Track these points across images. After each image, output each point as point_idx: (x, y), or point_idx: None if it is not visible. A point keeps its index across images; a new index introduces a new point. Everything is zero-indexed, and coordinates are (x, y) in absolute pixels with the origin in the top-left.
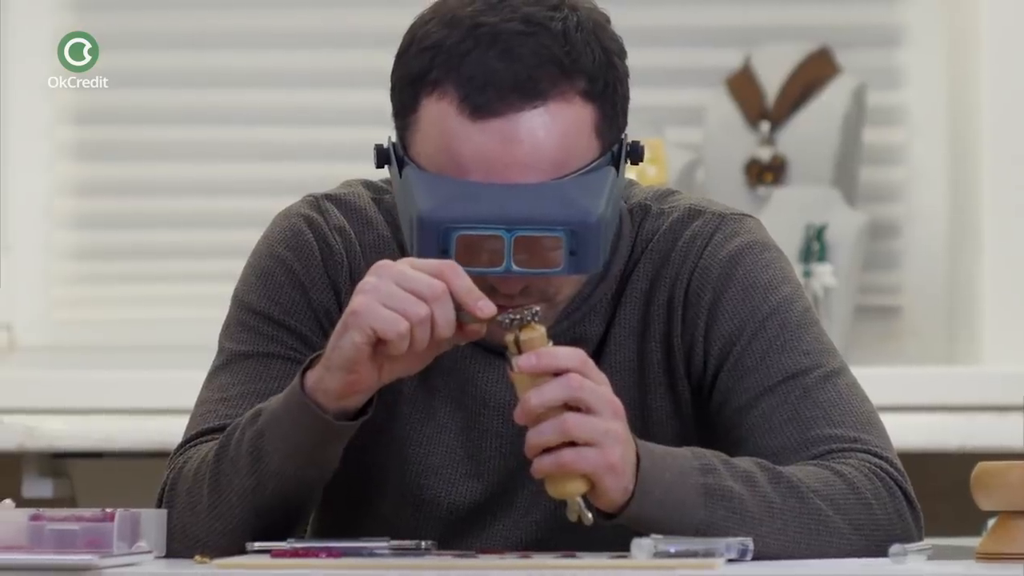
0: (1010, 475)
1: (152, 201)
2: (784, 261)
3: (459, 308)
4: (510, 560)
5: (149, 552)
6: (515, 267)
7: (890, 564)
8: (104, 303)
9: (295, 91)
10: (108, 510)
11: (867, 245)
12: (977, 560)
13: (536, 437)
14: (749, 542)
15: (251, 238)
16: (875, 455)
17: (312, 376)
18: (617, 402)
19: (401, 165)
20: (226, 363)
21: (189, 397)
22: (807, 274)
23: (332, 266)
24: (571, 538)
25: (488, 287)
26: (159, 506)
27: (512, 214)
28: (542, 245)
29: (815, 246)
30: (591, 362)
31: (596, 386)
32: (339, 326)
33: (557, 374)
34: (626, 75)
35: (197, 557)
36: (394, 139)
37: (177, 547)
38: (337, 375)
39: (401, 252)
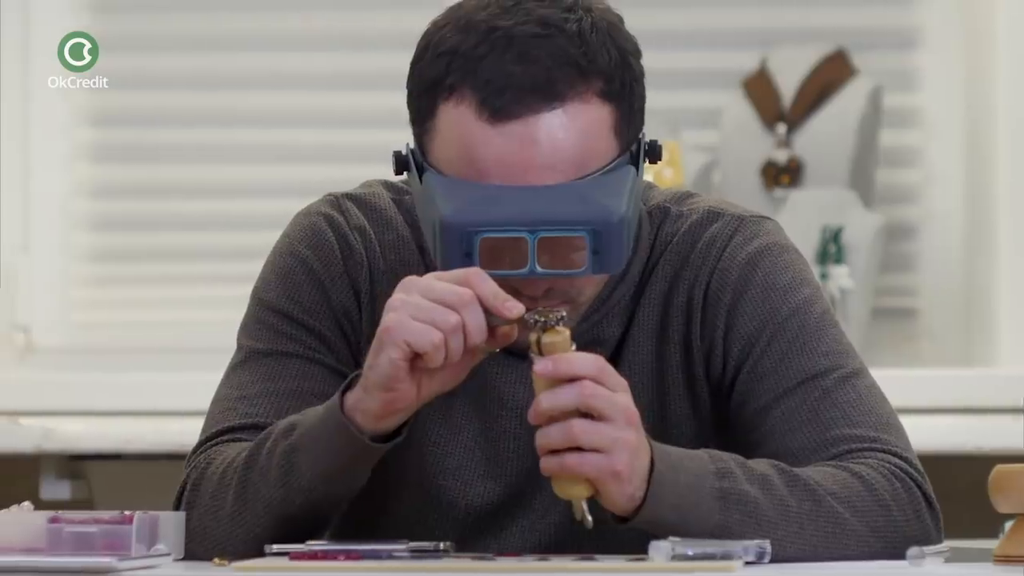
0: None
1: (170, 203)
2: (803, 263)
3: (488, 313)
4: (528, 562)
5: (167, 554)
6: (539, 268)
7: (907, 567)
8: (122, 305)
9: (313, 93)
10: (126, 512)
11: (883, 247)
12: (995, 563)
13: (543, 438)
14: (767, 545)
15: (269, 240)
16: (894, 455)
17: (351, 397)
18: (632, 410)
19: (421, 171)
20: (244, 360)
21: (207, 399)
22: (823, 276)
23: (352, 265)
24: (589, 540)
25: (512, 290)
26: (178, 505)
27: (535, 215)
28: (566, 246)
29: (831, 248)
30: (609, 369)
31: (610, 394)
32: (374, 345)
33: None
34: (642, 74)
35: (216, 560)
36: (412, 146)
37: (195, 548)
38: (376, 395)
39: (420, 253)
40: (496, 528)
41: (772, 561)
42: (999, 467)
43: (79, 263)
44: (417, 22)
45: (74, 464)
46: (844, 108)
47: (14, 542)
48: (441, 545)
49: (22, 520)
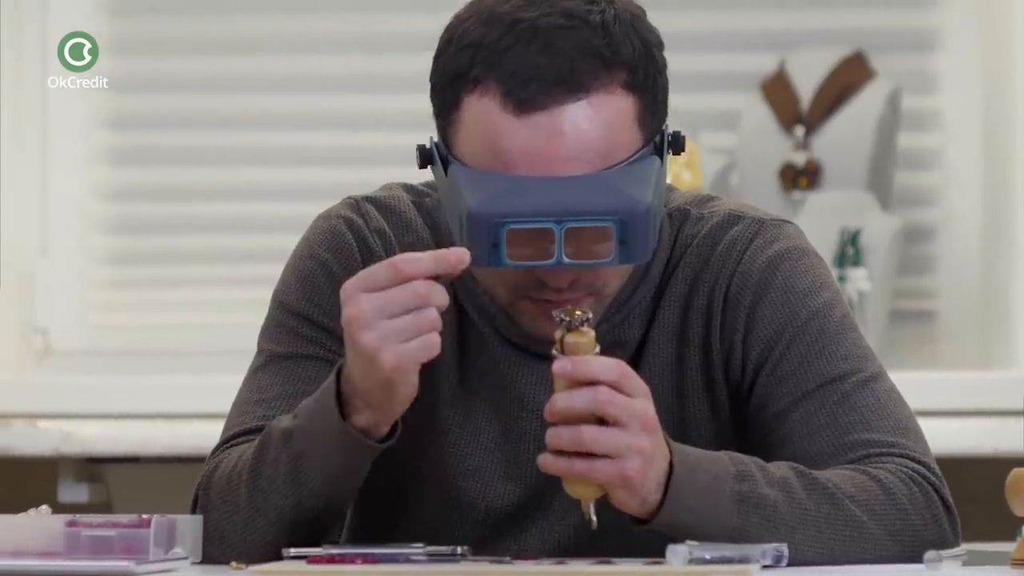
0: None
1: (188, 205)
2: (823, 267)
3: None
4: (545, 566)
5: (185, 558)
6: (566, 259)
7: (925, 571)
8: (140, 308)
9: (330, 96)
10: (144, 516)
11: (902, 249)
12: (1012, 566)
13: (553, 438)
14: (784, 548)
15: (287, 242)
16: (912, 460)
17: (361, 421)
18: (650, 416)
19: (446, 164)
20: (265, 364)
21: (225, 402)
22: (842, 279)
23: None
24: (608, 542)
25: (537, 281)
26: (194, 507)
27: (561, 206)
28: (592, 236)
29: (850, 251)
30: (631, 374)
31: (626, 400)
32: (381, 384)
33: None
34: (665, 66)
35: (233, 564)
36: (436, 139)
37: (213, 550)
38: (397, 412)
39: None
40: (516, 529)
41: (789, 564)
42: (1016, 470)
43: (97, 266)
44: (434, 24)
45: (92, 467)
46: (862, 110)
47: (32, 546)
48: (458, 549)
49: (40, 524)
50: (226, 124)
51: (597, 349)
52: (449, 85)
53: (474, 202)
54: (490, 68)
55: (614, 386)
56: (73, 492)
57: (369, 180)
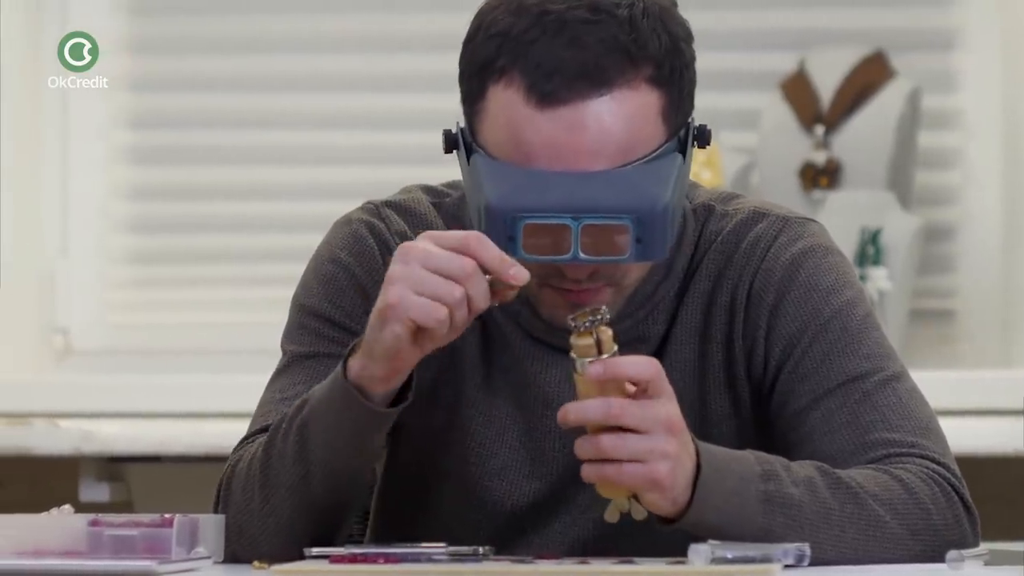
0: None
1: (207, 205)
2: (847, 265)
3: (490, 276)
4: (568, 566)
5: (208, 558)
6: (582, 255)
7: (947, 570)
8: (160, 307)
9: (351, 95)
10: (166, 516)
11: (922, 249)
12: None
13: (578, 450)
14: (806, 548)
15: (307, 242)
16: (932, 460)
17: (355, 365)
18: (674, 418)
19: (469, 151)
20: (288, 365)
21: (246, 401)
22: (862, 278)
23: None
24: (629, 537)
25: (558, 270)
26: (216, 505)
27: (579, 203)
28: (609, 233)
29: (870, 250)
30: (663, 374)
31: (644, 406)
32: (376, 316)
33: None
34: (693, 59)
35: (255, 563)
36: (462, 124)
37: (235, 547)
38: (381, 363)
39: None
40: (539, 525)
41: (811, 564)
42: None
43: (117, 265)
44: (453, 23)
45: (113, 466)
46: (882, 109)
47: (54, 546)
48: (480, 549)
49: (62, 524)
50: (246, 124)
51: (615, 349)
52: (476, 73)
53: (493, 195)
54: (516, 59)
55: (648, 385)
56: (94, 491)
57: (389, 179)
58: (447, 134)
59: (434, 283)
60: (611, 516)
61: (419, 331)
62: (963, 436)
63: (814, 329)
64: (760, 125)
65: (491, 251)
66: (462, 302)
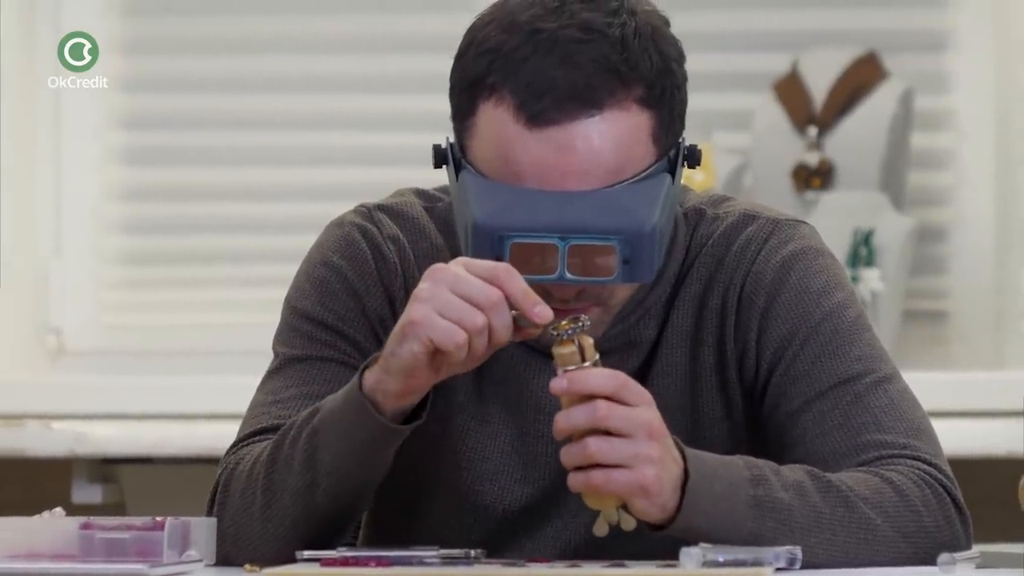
0: None
1: (201, 206)
2: (838, 267)
3: (515, 311)
4: (559, 569)
5: (199, 561)
6: (569, 275)
7: (939, 573)
8: (153, 308)
9: (344, 96)
10: (158, 519)
11: (915, 249)
12: None
13: (565, 457)
14: (798, 551)
15: (300, 243)
16: (924, 462)
17: (371, 378)
18: (655, 424)
19: (458, 167)
20: (280, 367)
21: (239, 402)
22: (854, 279)
23: (386, 275)
24: (620, 541)
25: (543, 291)
26: (211, 508)
27: (566, 223)
28: (596, 253)
29: (862, 251)
30: (630, 383)
31: (628, 410)
32: (397, 332)
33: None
34: (684, 80)
35: (247, 567)
36: (452, 140)
37: (228, 551)
38: (396, 378)
39: None
40: (531, 529)
41: (802, 567)
42: None
43: (110, 266)
44: (447, 24)
45: (106, 468)
46: (875, 110)
47: (46, 548)
48: (472, 552)
49: (54, 526)
50: (239, 124)
51: (597, 356)
52: (466, 90)
53: (480, 212)
54: (506, 77)
55: (613, 397)
56: (87, 493)
57: (383, 180)
58: (436, 149)
59: (458, 308)
60: (600, 529)
61: (437, 353)
62: (955, 437)
63: (805, 331)
64: (753, 126)
65: (518, 285)
66: (483, 331)
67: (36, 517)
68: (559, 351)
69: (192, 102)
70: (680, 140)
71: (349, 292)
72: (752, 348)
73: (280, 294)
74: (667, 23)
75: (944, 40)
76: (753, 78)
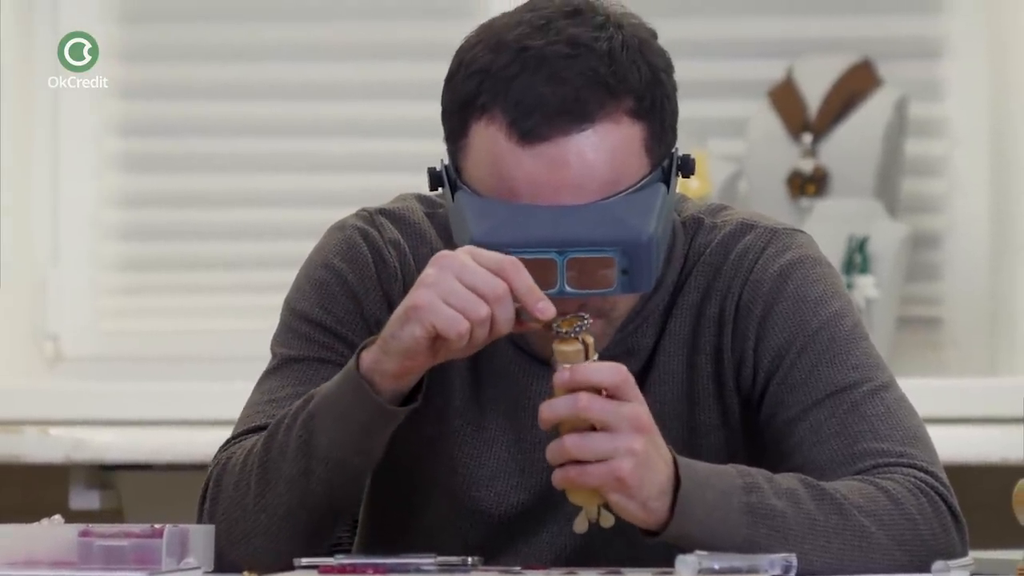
0: None
1: (198, 212)
2: (835, 276)
3: (518, 304)
4: (555, 575)
5: (197, 568)
6: (568, 288)
7: None
8: (151, 314)
9: (341, 103)
10: (157, 526)
11: (909, 256)
12: (1019, 575)
13: (549, 453)
14: (793, 558)
15: (297, 249)
16: (921, 470)
17: (368, 358)
18: (642, 417)
19: (454, 188)
20: (277, 367)
21: (237, 408)
22: (849, 286)
23: (386, 279)
24: (616, 548)
25: None
26: (203, 502)
27: (564, 236)
28: (595, 265)
29: (857, 258)
30: (630, 380)
31: (612, 403)
32: (399, 314)
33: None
34: (674, 90)
35: (246, 573)
36: (447, 162)
37: (221, 546)
38: (394, 359)
39: None
40: (527, 534)
41: (798, 575)
42: (1022, 481)
43: (108, 272)
44: (444, 32)
45: (103, 474)
46: (869, 118)
47: (45, 555)
48: (469, 559)
49: (53, 534)
50: (237, 131)
51: (595, 357)
52: (458, 111)
53: (477, 231)
54: (496, 96)
55: (614, 391)
56: (84, 499)
57: (381, 187)
58: (431, 172)
59: (463, 296)
60: (579, 526)
61: (437, 338)
62: (949, 444)
63: (802, 340)
64: (748, 133)
65: (523, 279)
66: (485, 321)
67: (35, 524)
68: (562, 348)
69: (189, 108)
70: (673, 150)
71: (348, 295)
72: (749, 356)
73: (278, 300)
74: (654, 35)
75: (938, 48)
76: (748, 85)
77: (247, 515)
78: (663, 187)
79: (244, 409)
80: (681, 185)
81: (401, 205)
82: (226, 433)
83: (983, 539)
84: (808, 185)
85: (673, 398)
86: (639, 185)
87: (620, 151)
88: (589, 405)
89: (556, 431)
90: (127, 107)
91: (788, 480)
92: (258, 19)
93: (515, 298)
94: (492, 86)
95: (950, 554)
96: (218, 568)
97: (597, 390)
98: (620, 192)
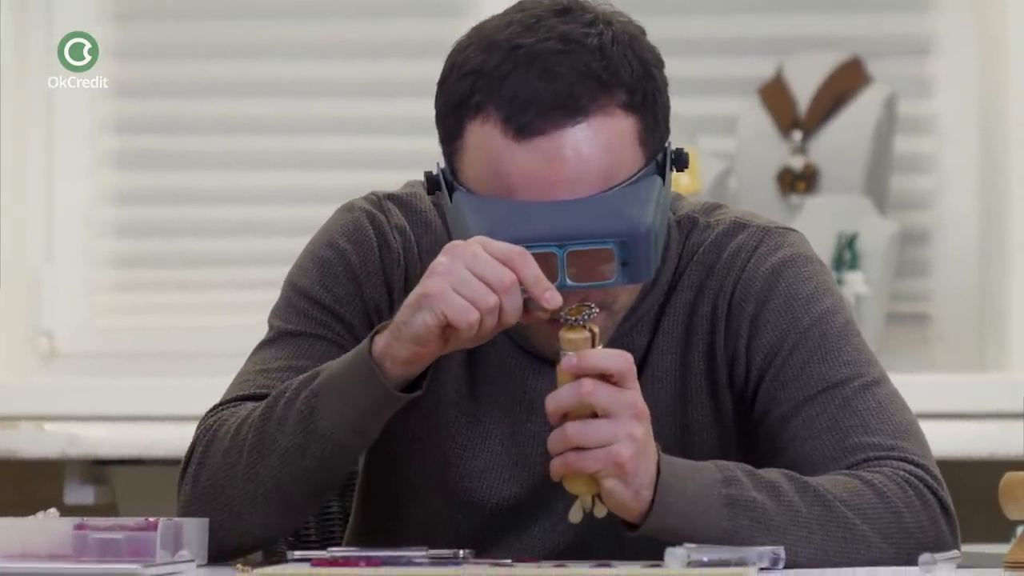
0: None
1: (193, 209)
2: (826, 274)
3: (526, 294)
4: (546, 569)
5: (191, 561)
6: (569, 281)
7: (920, 573)
8: (145, 311)
9: (335, 100)
10: (151, 519)
11: (898, 253)
12: (1005, 568)
13: (550, 443)
14: (781, 551)
15: (293, 246)
16: (911, 463)
17: (380, 343)
18: (641, 407)
19: (451, 191)
20: (272, 339)
21: None
22: (839, 282)
23: (388, 264)
24: (607, 541)
25: None
26: (186, 467)
27: (563, 230)
28: (594, 258)
29: (846, 254)
30: (634, 369)
31: (615, 390)
32: (412, 301)
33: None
34: (665, 84)
35: (239, 566)
36: (443, 165)
37: (204, 510)
38: (406, 346)
39: None
40: (519, 528)
41: (785, 567)
42: (1009, 474)
43: (102, 269)
44: (438, 30)
45: (98, 469)
46: (859, 115)
47: (40, 549)
48: (460, 552)
49: (48, 527)
50: (232, 128)
51: (600, 348)
52: (452, 113)
53: (477, 229)
54: (490, 94)
55: (619, 378)
56: (79, 494)
57: (376, 184)
58: (428, 176)
59: (473, 286)
60: (575, 515)
61: (448, 327)
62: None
63: (794, 337)
64: (738, 131)
65: (531, 270)
66: (494, 311)
67: (31, 518)
68: (569, 336)
69: (184, 106)
70: (667, 144)
71: (350, 276)
72: (742, 354)
73: (271, 297)
74: (643, 32)
75: (927, 45)
76: (738, 83)
77: (233, 483)
78: (659, 179)
79: (236, 377)
80: (672, 183)
81: (410, 192)
82: None
83: (971, 533)
84: (798, 182)
85: (666, 396)
86: (635, 178)
87: (614, 144)
88: (593, 390)
89: (552, 426)
90: (121, 105)
91: (770, 474)
92: (251, 17)
93: (523, 288)
94: (485, 85)
95: (939, 547)
96: (212, 560)
97: (600, 378)
98: (616, 185)
